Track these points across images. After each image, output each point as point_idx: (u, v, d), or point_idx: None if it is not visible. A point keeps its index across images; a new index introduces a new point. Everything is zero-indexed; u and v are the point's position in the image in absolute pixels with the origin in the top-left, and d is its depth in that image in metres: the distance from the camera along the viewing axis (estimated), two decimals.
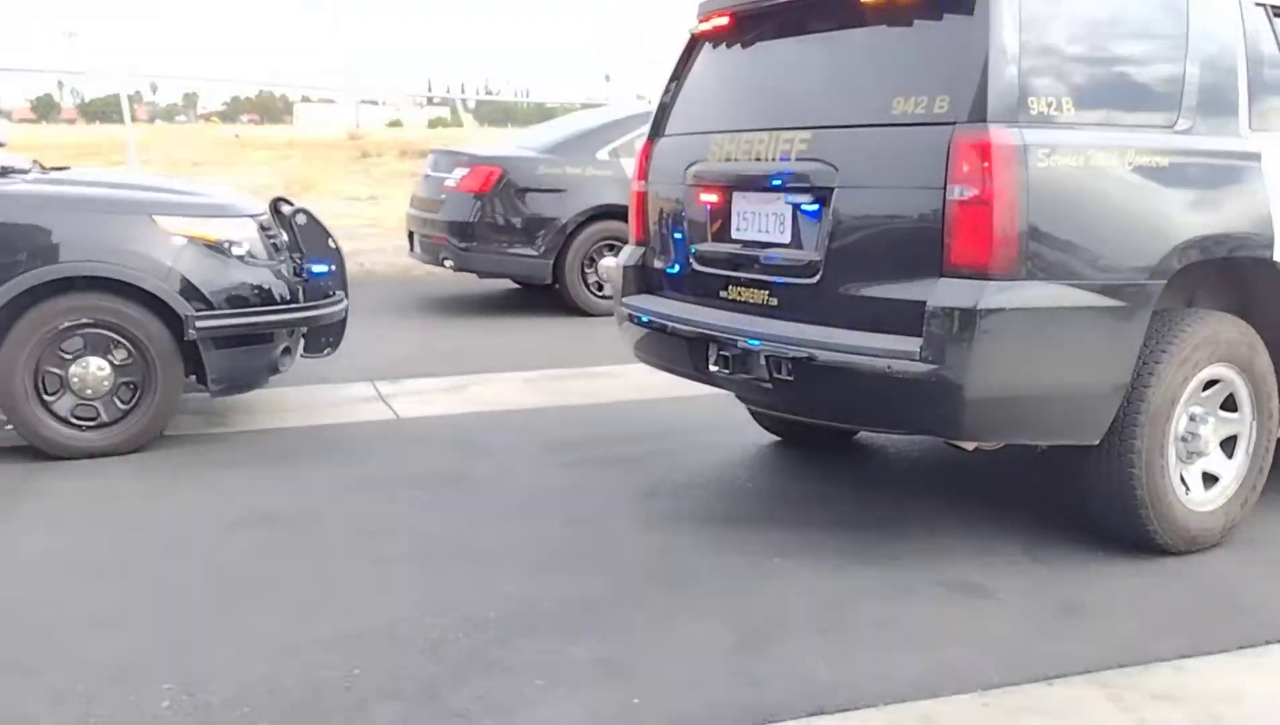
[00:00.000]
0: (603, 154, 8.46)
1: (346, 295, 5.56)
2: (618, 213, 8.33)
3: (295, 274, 5.30)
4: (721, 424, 5.32)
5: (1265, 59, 3.63)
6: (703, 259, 4.07)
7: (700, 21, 4.26)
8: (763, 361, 3.62)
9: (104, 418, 4.77)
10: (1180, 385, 3.43)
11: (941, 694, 2.69)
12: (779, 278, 3.72)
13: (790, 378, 3.54)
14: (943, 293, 3.16)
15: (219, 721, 2.58)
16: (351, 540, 3.78)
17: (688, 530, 3.89)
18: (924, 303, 3.19)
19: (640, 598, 3.30)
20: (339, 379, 6.25)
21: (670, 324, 4.08)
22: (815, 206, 3.56)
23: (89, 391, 4.73)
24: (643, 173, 4.46)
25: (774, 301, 3.73)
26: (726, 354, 3.77)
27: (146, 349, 4.77)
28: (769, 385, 3.64)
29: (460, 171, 8.29)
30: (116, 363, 4.77)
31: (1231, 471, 3.64)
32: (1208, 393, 3.58)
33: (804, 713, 2.61)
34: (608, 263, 8.40)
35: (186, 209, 5.01)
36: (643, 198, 4.47)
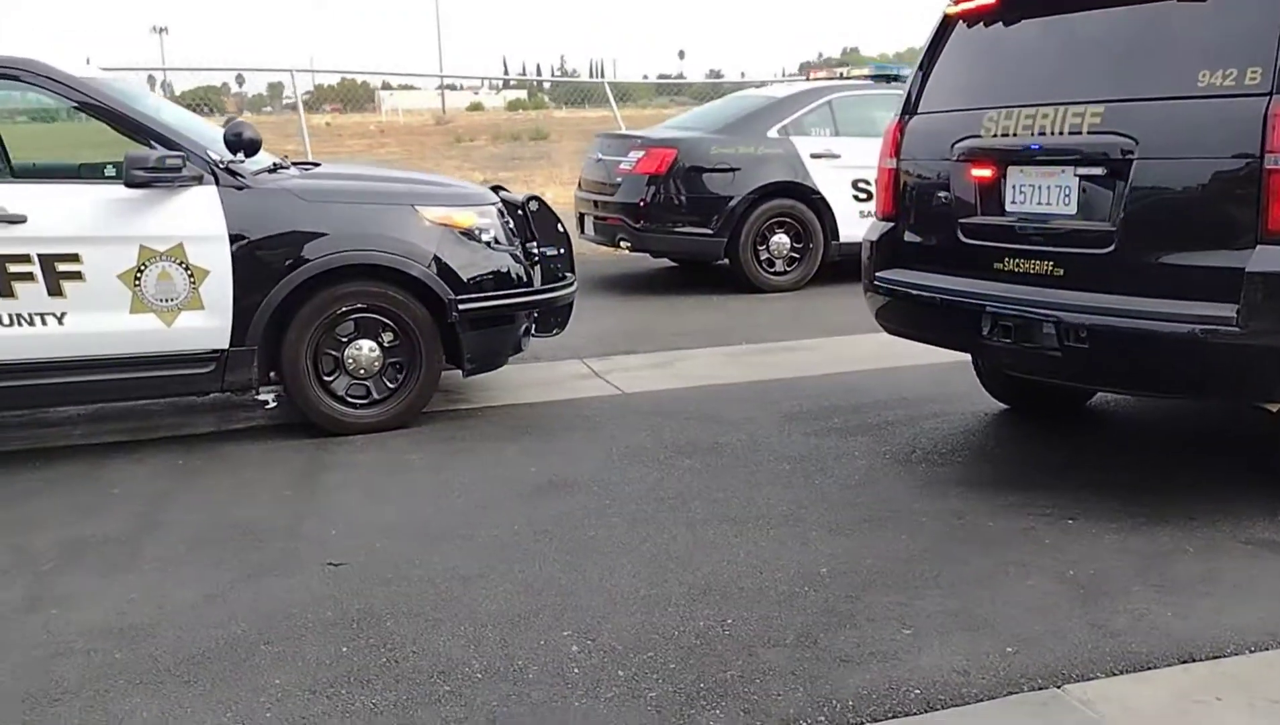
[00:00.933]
0: (773, 133, 8.62)
1: (574, 278, 5.80)
2: (789, 190, 8.50)
3: (529, 257, 5.55)
4: (942, 393, 5.49)
5: None
6: (972, 232, 4.20)
7: (958, 1, 4.39)
8: (1052, 330, 3.75)
9: (375, 396, 5.08)
10: None
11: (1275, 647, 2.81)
12: (1065, 248, 3.84)
13: (1085, 346, 3.67)
14: (1263, 259, 3.27)
15: (629, 663, 2.82)
16: (653, 506, 4.01)
17: (965, 495, 4.04)
18: (1241, 269, 3.30)
19: (957, 556, 3.47)
20: (549, 358, 6.51)
21: (939, 296, 4.22)
22: (1109, 179, 3.68)
23: (362, 371, 5.04)
24: (894, 150, 4.61)
25: (1059, 272, 3.85)
26: (1008, 323, 3.91)
27: (412, 331, 5.07)
28: (1058, 353, 3.77)
29: (635, 154, 8.51)
30: (385, 345, 5.07)
31: None
32: None
33: (1176, 659, 2.76)
34: (780, 240, 8.57)
35: (442, 198, 5.28)
36: (893, 174, 4.62)
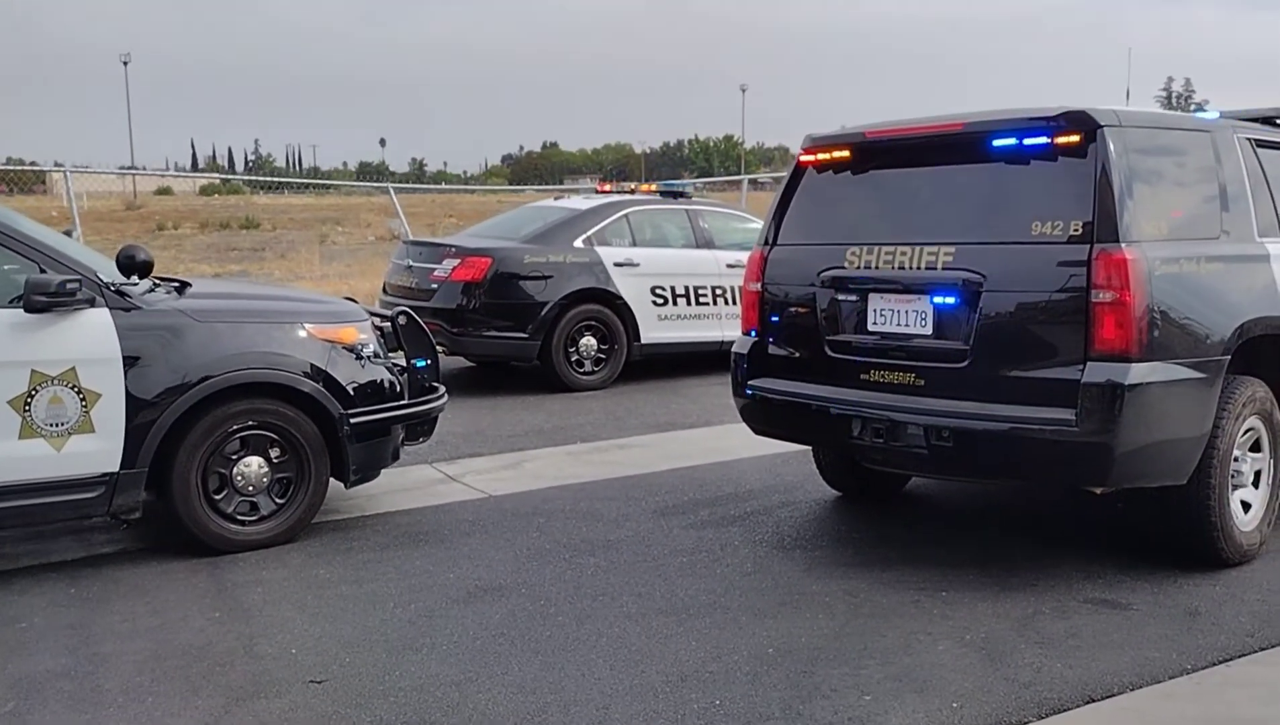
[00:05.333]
0: (579, 242, 9.22)
1: (443, 388, 6.07)
2: (595, 296, 9.10)
3: (401, 369, 5.79)
4: (780, 483, 6.21)
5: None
6: (837, 347, 4.91)
7: (812, 152, 5.15)
8: (919, 431, 4.49)
9: (263, 512, 5.12)
10: (1235, 433, 4.52)
11: (1148, 684, 3.58)
12: (924, 362, 4.60)
13: (949, 444, 4.43)
14: (1092, 372, 4.13)
15: None
16: (588, 603, 4.36)
17: (849, 575, 4.67)
18: (1076, 381, 4.15)
19: (871, 630, 4.06)
20: (397, 463, 6.66)
21: (811, 402, 4.89)
22: (961, 306, 4.48)
23: (250, 488, 5.07)
24: (758, 275, 5.28)
25: (921, 382, 4.61)
26: (878, 426, 4.62)
27: (301, 446, 5.17)
28: (924, 451, 4.51)
29: (450, 262, 8.84)
30: (273, 460, 5.13)
31: (1260, 498, 4.77)
32: (1243, 438, 4.69)
33: (1083, 700, 3.46)
34: (589, 342, 9.12)
35: (327, 316, 5.44)
36: (758, 296, 5.28)
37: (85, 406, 4.62)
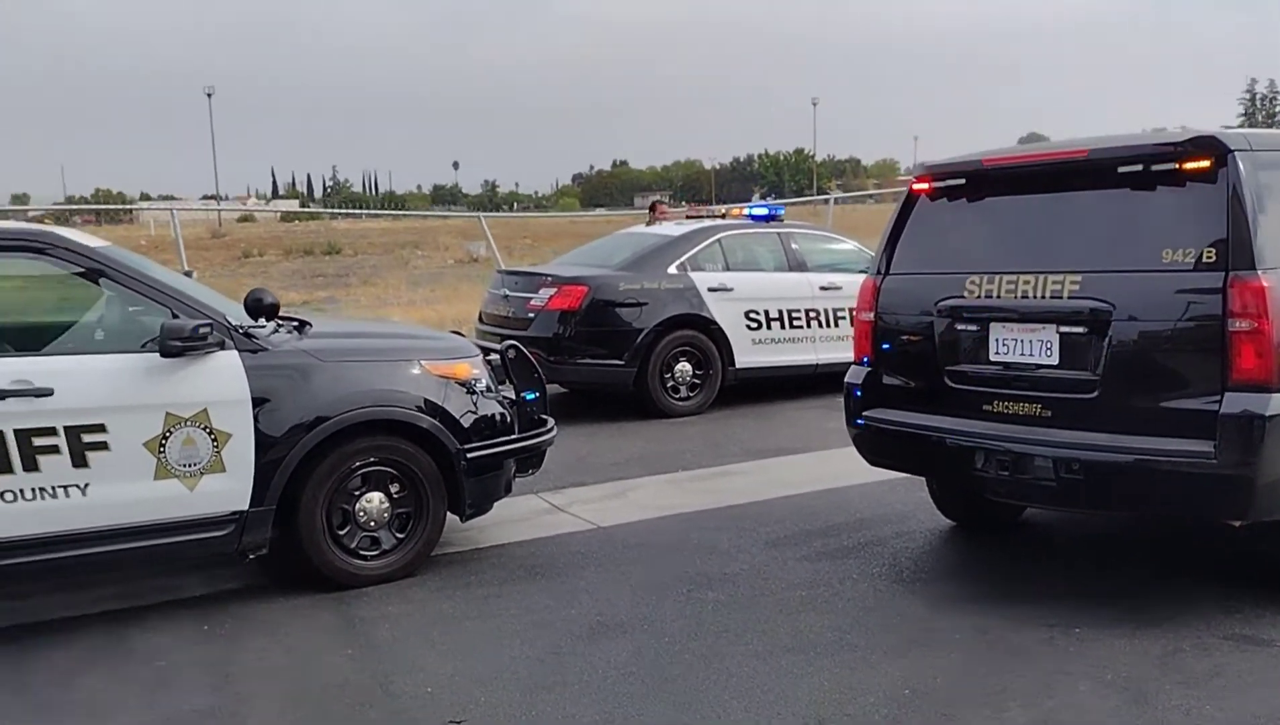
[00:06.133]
0: (673, 269, 9.24)
1: (552, 420, 6.11)
2: (690, 322, 9.11)
3: (512, 402, 5.84)
4: (892, 512, 6.12)
5: None
6: (958, 378, 4.84)
7: (925, 180, 5.10)
8: (1048, 464, 4.40)
9: (384, 546, 5.20)
10: None
11: None
12: (1051, 393, 4.52)
13: (1079, 477, 4.33)
14: (1231, 403, 4.02)
15: None
16: (711, 641, 4.35)
17: (975, 611, 4.59)
18: (1214, 412, 4.04)
19: (1006, 668, 3.99)
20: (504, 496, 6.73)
21: (931, 433, 4.83)
22: (1089, 336, 4.39)
23: (372, 523, 5.16)
24: (871, 304, 5.23)
25: (1048, 413, 4.53)
26: (1004, 458, 4.55)
27: (420, 481, 5.24)
28: (1053, 483, 4.43)
29: (547, 291, 8.93)
30: (393, 496, 5.22)
31: None
32: None
33: None
34: (684, 367, 9.13)
35: (441, 352, 5.52)
36: (871, 325, 5.23)
37: (217, 447, 4.74)
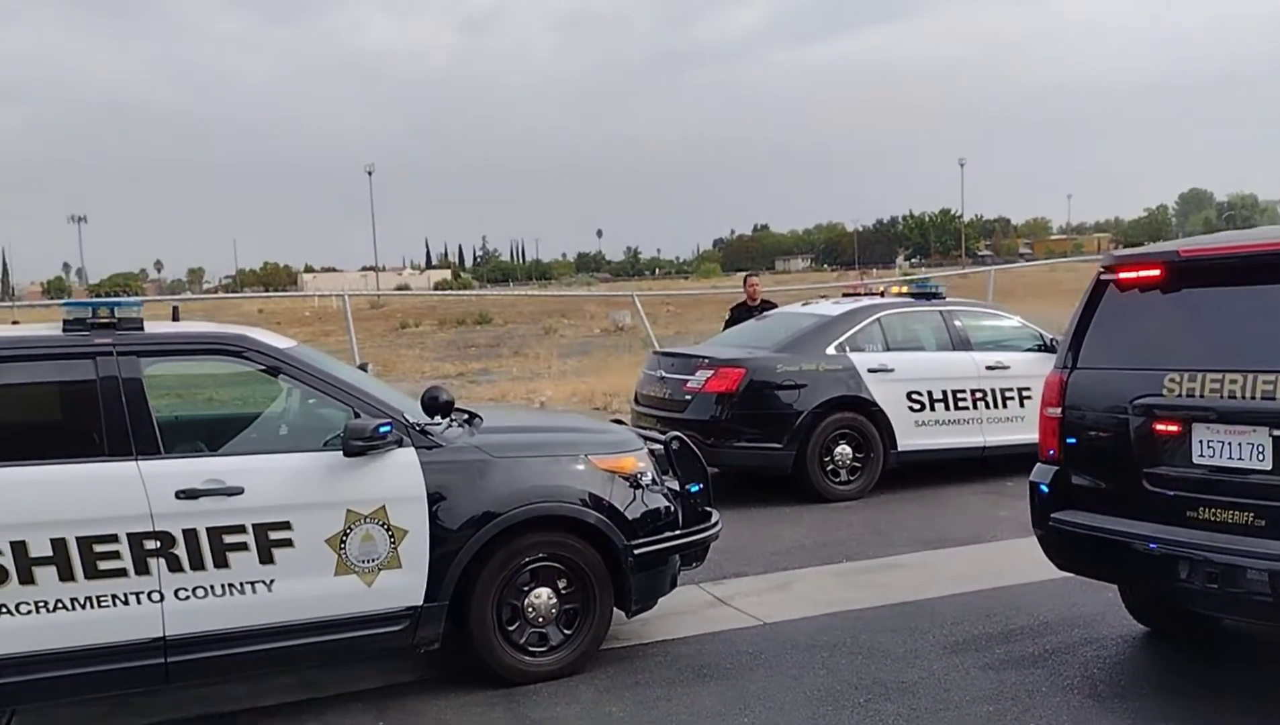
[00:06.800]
0: (831, 350, 9.08)
1: (717, 513, 6.01)
2: (850, 403, 8.91)
3: (677, 495, 5.76)
4: (1078, 615, 5.79)
5: None
6: (1157, 481, 4.54)
7: (1114, 270, 4.86)
8: (1263, 577, 4.06)
9: (552, 642, 5.16)
10: None
11: None
12: (1264, 500, 4.19)
13: None
14: None
15: None
16: None
17: None
18: None
19: None
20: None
21: (1133, 540, 4.53)
22: None
23: (540, 619, 5.13)
24: (1058, 400, 4.98)
25: (1261, 522, 4.19)
26: (1212, 570, 4.22)
27: (587, 577, 5.20)
28: (1267, 598, 4.08)
29: (704, 373, 8.89)
30: (561, 591, 5.18)
31: None
32: None
33: None
34: (844, 450, 8.91)
35: (609, 446, 5.50)
36: (1058, 421, 4.97)
37: (394, 543, 4.80)
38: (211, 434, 5.12)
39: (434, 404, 5.07)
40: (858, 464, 9.01)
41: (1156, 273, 4.71)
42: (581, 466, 5.30)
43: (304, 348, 5.25)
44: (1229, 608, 4.37)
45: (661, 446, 5.98)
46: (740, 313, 12.45)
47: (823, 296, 13.17)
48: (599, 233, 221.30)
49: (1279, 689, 4.69)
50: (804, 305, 10.63)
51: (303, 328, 34.81)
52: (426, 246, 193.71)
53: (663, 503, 5.54)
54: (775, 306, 11.99)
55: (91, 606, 4.33)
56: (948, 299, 10.07)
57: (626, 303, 37.72)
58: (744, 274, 14.78)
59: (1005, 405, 9.40)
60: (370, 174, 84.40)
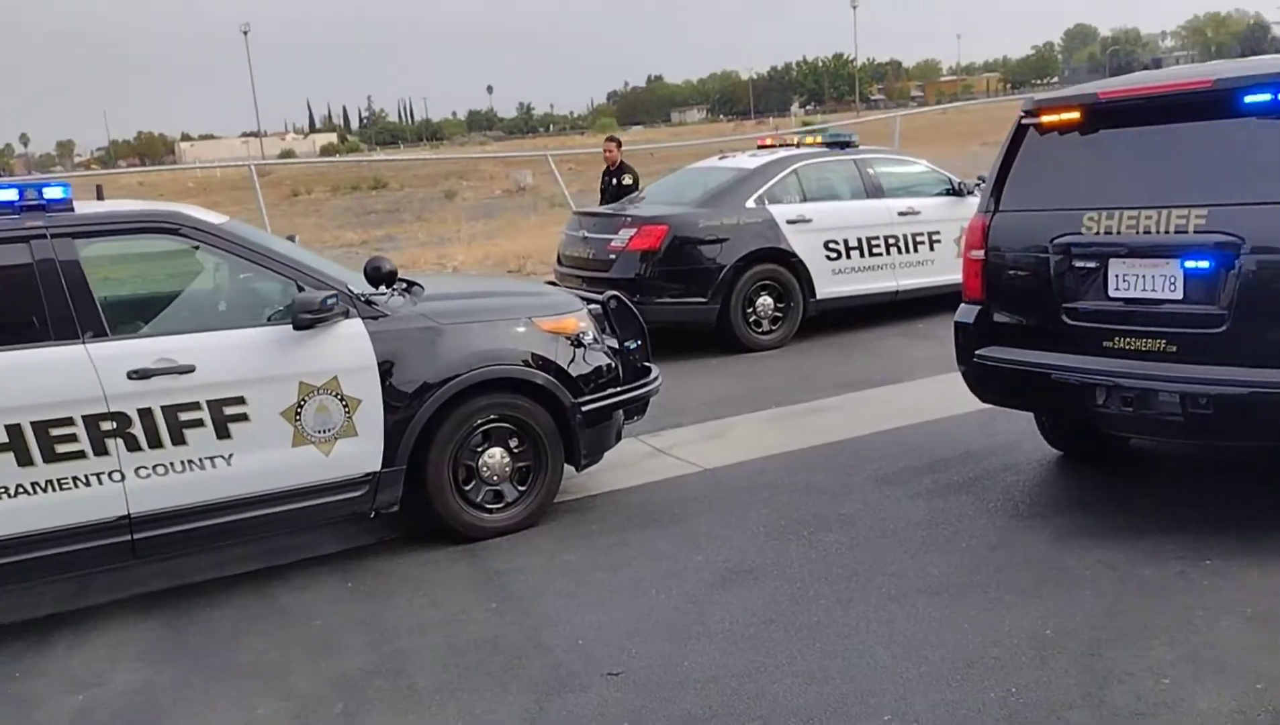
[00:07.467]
0: (750, 203, 9.21)
1: (656, 368, 6.18)
2: (770, 255, 9.10)
3: (616, 352, 5.92)
4: (996, 444, 6.16)
5: None
6: (1076, 315, 4.83)
7: (1034, 114, 5.04)
8: (1175, 399, 4.41)
9: (507, 499, 5.35)
10: None
11: None
12: (1175, 328, 4.51)
13: (1208, 411, 4.34)
14: None
15: None
16: (844, 585, 4.45)
17: (1100, 546, 4.63)
18: None
19: (1143, 607, 4.05)
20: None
21: (1050, 371, 4.84)
22: (1217, 269, 4.36)
23: (495, 477, 5.30)
24: (981, 242, 5.21)
25: (1172, 348, 4.52)
26: (1128, 394, 4.56)
27: (537, 435, 5.37)
28: (1179, 418, 4.44)
29: (627, 232, 8.96)
30: (513, 450, 5.34)
31: None
32: None
33: None
34: (765, 301, 9.15)
35: (550, 309, 5.60)
36: (981, 263, 5.22)
37: (348, 412, 4.88)
38: (149, 313, 5.06)
39: (377, 274, 5.09)
40: (779, 314, 9.27)
41: (1076, 115, 4.90)
42: (525, 329, 5.40)
43: (237, 223, 5.19)
44: (1143, 428, 4.73)
45: (599, 306, 6.10)
46: (605, 179, 12.44)
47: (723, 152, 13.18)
48: (489, 89, 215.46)
49: (1183, 500, 5.11)
50: (720, 158, 10.68)
51: (189, 199, 33.50)
52: (309, 109, 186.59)
53: (605, 360, 5.68)
54: (632, 171, 12.04)
55: (54, 489, 4.35)
56: (860, 147, 10.23)
57: (527, 162, 37.01)
58: (607, 138, 13.59)
59: (916, 250, 9.70)
60: (246, 34, 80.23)
